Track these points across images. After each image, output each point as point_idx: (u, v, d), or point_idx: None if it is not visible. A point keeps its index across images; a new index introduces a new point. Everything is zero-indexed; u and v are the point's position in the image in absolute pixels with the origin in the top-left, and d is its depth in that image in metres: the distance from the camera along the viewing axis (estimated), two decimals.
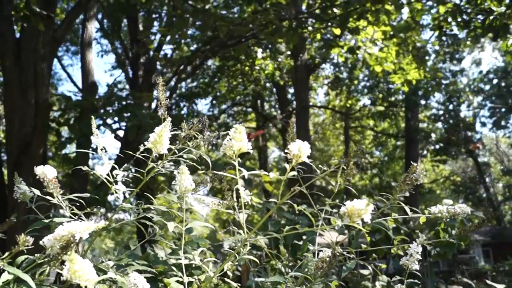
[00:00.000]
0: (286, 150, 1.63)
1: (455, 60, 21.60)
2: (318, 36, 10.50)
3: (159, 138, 1.72)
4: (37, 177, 1.86)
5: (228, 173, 1.76)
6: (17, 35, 7.35)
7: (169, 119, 1.73)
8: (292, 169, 1.64)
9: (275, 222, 3.67)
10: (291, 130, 1.75)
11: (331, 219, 1.65)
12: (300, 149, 1.61)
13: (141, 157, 1.80)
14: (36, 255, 1.59)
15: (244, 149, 1.63)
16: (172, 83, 13.32)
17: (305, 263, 2.35)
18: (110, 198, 11.18)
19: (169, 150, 1.79)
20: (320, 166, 1.67)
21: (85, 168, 1.90)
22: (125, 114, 7.91)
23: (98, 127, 9.01)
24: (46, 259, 1.54)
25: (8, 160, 7.25)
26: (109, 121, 8.27)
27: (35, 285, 1.44)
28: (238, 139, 1.62)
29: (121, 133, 10.68)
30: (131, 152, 1.85)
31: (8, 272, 1.51)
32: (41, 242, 1.47)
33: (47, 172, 1.85)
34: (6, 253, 1.60)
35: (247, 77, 16.68)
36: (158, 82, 1.83)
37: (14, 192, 1.96)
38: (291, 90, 18.70)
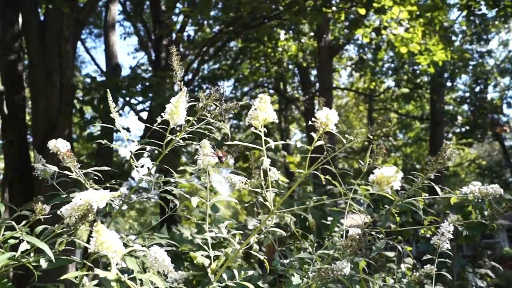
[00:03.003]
0: (313, 118, 1.57)
1: (482, 41, 21.07)
2: (343, 16, 10.32)
3: (176, 109, 1.70)
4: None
5: (252, 144, 1.70)
6: (41, 18, 7.39)
7: (185, 88, 1.70)
8: (319, 139, 1.58)
9: (301, 202, 3.65)
10: (321, 107, 1.70)
11: (361, 187, 1.60)
12: (327, 117, 1.55)
13: (160, 129, 1.78)
14: (55, 225, 1.59)
15: (270, 119, 1.57)
16: (195, 65, 13.31)
17: (330, 244, 2.32)
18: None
19: (188, 122, 1.76)
20: (347, 136, 1.61)
21: (110, 145, 1.90)
22: (149, 94, 7.92)
23: (122, 107, 9.06)
24: (64, 229, 1.54)
25: (34, 143, 7.35)
26: (133, 101, 8.29)
27: (53, 254, 1.45)
28: (263, 109, 1.57)
29: (144, 115, 10.75)
30: (151, 126, 1.82)
31: (27, 242, 1.51)
32: (58, 212, 1.47)
33: (59, 145, 1.82)
34: (24, 222, 1.60)
35: (269, 58, 16.56)
36: (172, 51, 1.77)
37: (35, 170, 1.95)
38: (314, 72, 18.51)
